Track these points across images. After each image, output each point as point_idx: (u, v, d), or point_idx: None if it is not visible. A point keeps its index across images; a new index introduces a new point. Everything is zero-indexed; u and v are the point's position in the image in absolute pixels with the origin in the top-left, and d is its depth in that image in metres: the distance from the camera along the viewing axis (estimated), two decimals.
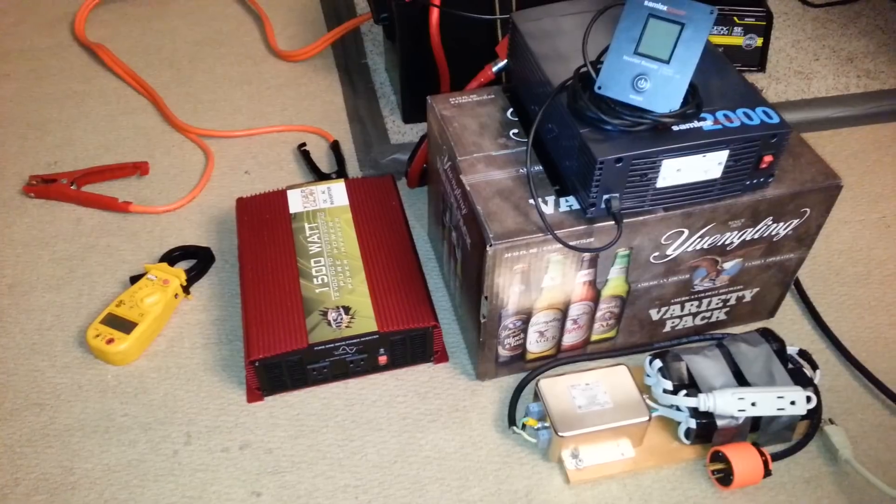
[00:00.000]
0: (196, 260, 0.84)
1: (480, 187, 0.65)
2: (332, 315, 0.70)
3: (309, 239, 0.78)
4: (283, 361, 0.69)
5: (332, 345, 0.69)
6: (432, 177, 0.79)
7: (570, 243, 0.61)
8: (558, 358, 0.74)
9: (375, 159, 0.98)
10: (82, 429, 0.70)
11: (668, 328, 0.74)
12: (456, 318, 0.78)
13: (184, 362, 0.75)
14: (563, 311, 0.69)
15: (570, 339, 0.72)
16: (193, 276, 0.82)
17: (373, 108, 1.06)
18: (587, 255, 0.64)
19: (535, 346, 0.71)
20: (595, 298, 0.68)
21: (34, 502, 0.65)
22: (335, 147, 1.00)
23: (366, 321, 0.70)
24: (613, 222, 0.61)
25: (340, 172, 0.96)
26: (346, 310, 0.71)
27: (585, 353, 0.74)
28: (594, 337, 0.73)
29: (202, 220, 0.90)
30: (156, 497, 0.65)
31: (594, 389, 0.67)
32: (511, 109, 0.73)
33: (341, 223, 0.80)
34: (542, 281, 0.64)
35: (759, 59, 1.10)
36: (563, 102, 0.63)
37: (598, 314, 0.70)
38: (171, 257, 0.83)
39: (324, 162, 0.98)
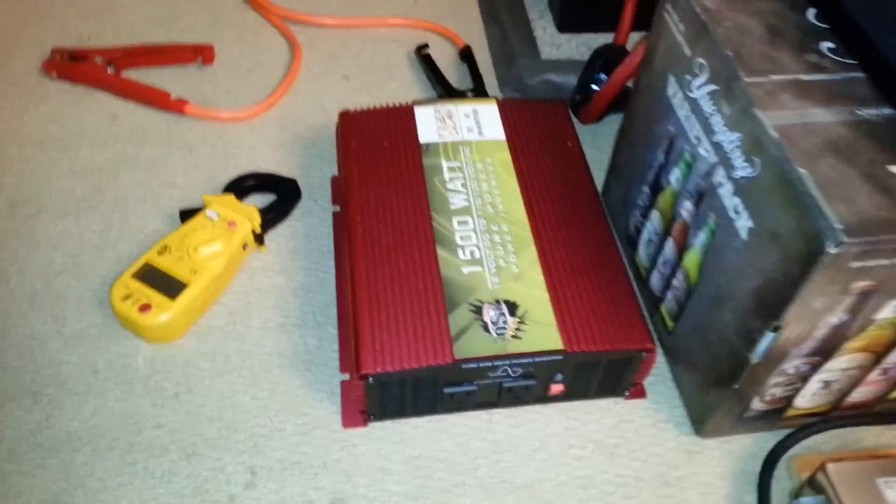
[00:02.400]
0: (275, 195, 0.58)
1: (795, 135, 0.37)
2: (489, 314, 0.44)
3: (449, 185, 0.51)
4: (409, 379, 0.43)
5: (489, 364, 0.43)
6: (638, 108, 0.51)
7: None
8: (830, 418, 0.47)
9: (521, 78, 0.70)
10: (92, 442, 0.46)
11: None
12: (656, 334, 0.52)
13: (250, 350, 0.50)
14: (880, 356, 0.42)
15: (860, 394, 0.45)
16: (271, 218, 0.56)
17: (516, 9, 0.77)
18: None
19: (808, 400, 0.45)
20: None
21: None
22: (466, 55, 0.72)
23: (543, 330, 0.44)
24: None
25: (478, 90, 0.68)
26: (512, 308, 0.45)
27: (871, 412, 0.48)
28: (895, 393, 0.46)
29: (284, 137, 0.64)
30: None
31: None
32: (814, 11, 0.44)
33: (495, 165, 0.53)
34: (882, 309, 0.37)
35: None
36: None
37: None
38: (240, 187, 0.58)
39: (450, 74, 0.70)
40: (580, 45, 0.72)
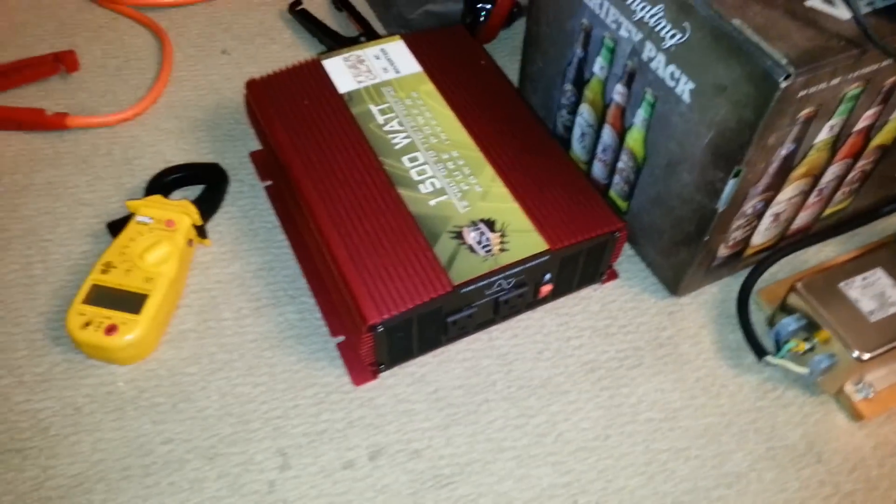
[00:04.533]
0: (202, 184, 0.55)
1: None
2: (471, 236, 0.45)
3: (386, 128, 0.51)
4: (414, 317, 0.44)
5: (486, 281, 0.44)
6: (543, 12, 0.53)
7: None
8: (782, 247, 0.52)
9: (402, 14, 0.69)
10: (103, 477, 0.43)
11: None
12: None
13: (233, 341, 0.48)
14: (817, 178, 0.46)
15: (802, 219, 0.51)
16: (207, 208, 0.53)
17: None
18: (888, 85, 0.41)
19: (762, 235, 0.49)
20: (859, 153, 0.46)
21: None
22: (342, 1, 0.70)
23: (526, 237, 0.45)
24: None
25: (369, 33, 0.67)
26: (490, 224, 0.46)
27: (810, 234, 0.53)
28: (827, 211, 0.52)
29: (182, 126, 0.60)
30: None
31: (877, 283, 0.46)
32: None
33: (423, 97, 0.53)
34: (819, 132, 0.42)
35: None
36: None
37: (849, 177, 0.49)
38: (163, 185, 0.54)
39: (330, 25, 0.69)
40: None
